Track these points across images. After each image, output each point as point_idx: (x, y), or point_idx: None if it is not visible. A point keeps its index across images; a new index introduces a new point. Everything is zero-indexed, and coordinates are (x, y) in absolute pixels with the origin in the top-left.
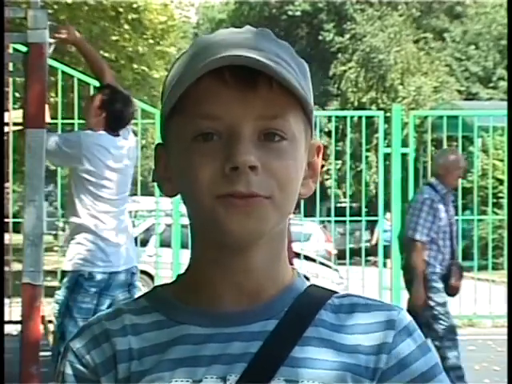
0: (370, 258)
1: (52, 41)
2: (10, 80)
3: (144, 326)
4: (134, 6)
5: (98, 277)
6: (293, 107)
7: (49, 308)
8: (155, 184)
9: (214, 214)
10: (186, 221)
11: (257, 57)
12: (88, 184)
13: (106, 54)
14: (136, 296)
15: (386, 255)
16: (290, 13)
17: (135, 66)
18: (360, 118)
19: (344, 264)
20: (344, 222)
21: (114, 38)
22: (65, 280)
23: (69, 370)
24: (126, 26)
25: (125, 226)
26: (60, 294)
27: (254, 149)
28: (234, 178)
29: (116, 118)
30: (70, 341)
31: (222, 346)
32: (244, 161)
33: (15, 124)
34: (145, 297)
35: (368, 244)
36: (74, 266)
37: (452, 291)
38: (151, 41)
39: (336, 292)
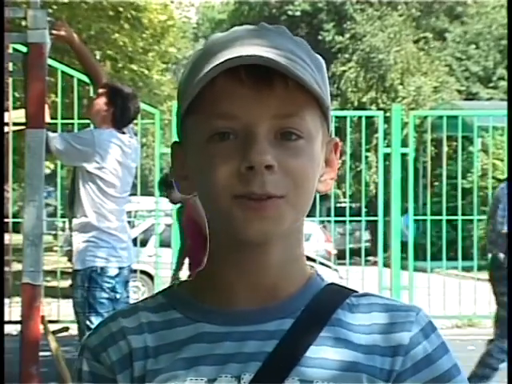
0: (369, 258)
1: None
2: (10, 80)
3: (160, 324)
4: (134, 5)
5: (111, 271)
6: (309, 105)
7: (48, 308)
8: (155, 184)
9: (231, 215)
10: None
11: (272, 56)
12: (99, 181)
13: (106, 53)
14: (130, 294)
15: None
16: (289, 13)
17: (134, 65)
18: (360, 117)
19: (344, 264)
20: (344, 222)
21: (113, 37)
22: (78, 279)
23: (86, 367)
24: (126, 26)
25: (125, 224)
26: (77, 295)
27: (270, 148)
28: (249, 178)
29: (123, 113)
30: (86, 338)
31: (237, 345)
32: (260, 160)
33: (15, 124)
34: (162, 294)
35: (368, 244)
36: (86, 263)
37: None
38: (151, 40)
39: (355, 291)
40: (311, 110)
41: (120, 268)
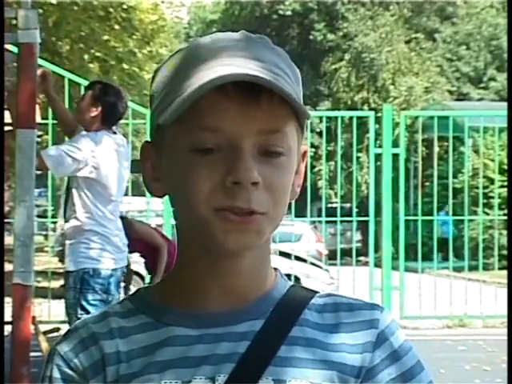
0: (360, 258)
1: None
2: None
3: (131, 329)
4: (125, 6)
5: (103, 273)
6: (290, 118)
7: (39, 308)
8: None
9: (210, 226)
10: None
11: (260, 72)
12: (95, 184)
13: (97, 54)
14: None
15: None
16: (280, 12)
17: (126, 66)
18: (351, 118)
19: (335, 264)
20: (335, 222)
21: (104, 38)
22: (70, 281)
23: (57, 374)
24: (116, 26)
25: (120, 226)
26: (70, 297)
27: (255, 163)
28: (235, 193)
29: (111, 111)
30: (56, 345)
31: (210, 347)
32: (248, 176)
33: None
34: (129, 299)
35: (359, 244)
36: (78, 264)
37: None
38: (141, 42)
39: (317, 292)
40: (292, 122)
41: (113, 269)
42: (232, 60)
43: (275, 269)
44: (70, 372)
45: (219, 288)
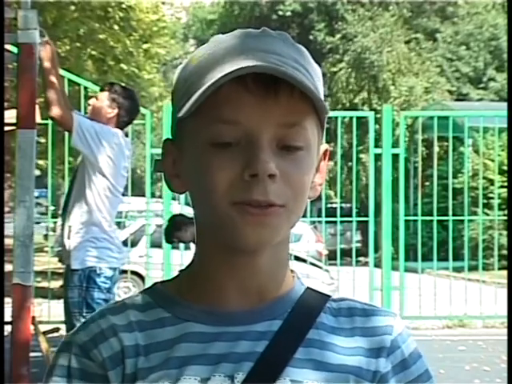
0: (360, 258)
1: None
2: None
3: (149, 323)
4: (123, 6)
5: (108, 272)
6: (310, 113)
7: (39, 309)
8: (146, 185)
9: (229, 220)
10: None
11: (281, 67)
12: (107, 184)
13: (95, 54)
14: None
15: None
16: (280, 13)
17: (124, 66)
18: (351, 118)
19: (335, 264)
20: (335, 222)
21: (102, 37)
22: (75, 279)
23: (75, 364)
24: (115, 26)
25: (114, 224)
26: (74, 295)
27: (273, 156)
28: (252, 186)
29: (126, 113)
30: (72, 335)
31: (229, 345)
32: (264, 168)
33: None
34: (147, 293)
35: (359, 244)
36: (84, 263)
37: None
38: (140, 42)
39: (330, 296)
40: (311, 118)
41: (114, 269)
42: (252, 54)
43: (292, 271)
44: (88, 362)
45: (237, 287)
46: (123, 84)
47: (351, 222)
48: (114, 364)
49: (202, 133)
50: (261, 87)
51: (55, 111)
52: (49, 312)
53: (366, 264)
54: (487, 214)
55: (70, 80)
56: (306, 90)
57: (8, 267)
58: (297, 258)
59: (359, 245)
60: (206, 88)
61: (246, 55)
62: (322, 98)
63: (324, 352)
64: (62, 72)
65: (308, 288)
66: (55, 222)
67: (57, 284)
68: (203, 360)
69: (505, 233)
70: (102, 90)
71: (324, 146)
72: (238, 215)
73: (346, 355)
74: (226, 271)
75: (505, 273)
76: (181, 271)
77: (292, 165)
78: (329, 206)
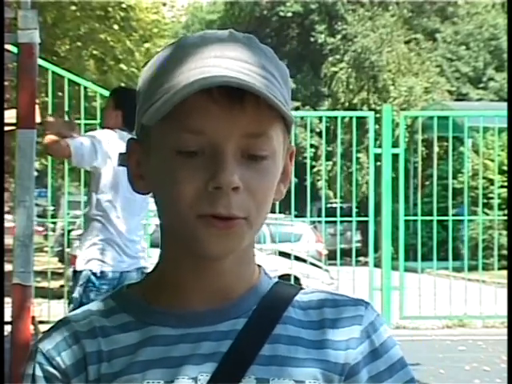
0: (360, 258)
1: None
2: None
3: (113, 328)
4: (123, 5)
5: (110, 275)
6: (276, 121)
7: (39, 309)
8: None
9: (195, 232)
10: None
11: (246, 76)
12: (119, 186)
13: (95, 54)
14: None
15: None
16: (281, 13)
17: (124, 67)
18: (351, 118)
19: (335, 264)
20: (335, 222)
21: (102, 37)
22: (78, 279)
23: (39, 372)
24: (115, 26)
25: (133, 226)
26: (75, 294)
27: (237, 167)
28: (216, 198)
29: (131, 115)
30: (37, 342)
31: (192, 346)
32: (228, 181)
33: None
34: (112, 297)
35: (359, 244)
36: (86, 265)
37: None
38: (140, 42)
39: (302, 288)
40: (277, 126)
41: (122, 272)
42: (218, 61)
43: (259, 266)
44: (52, 370)
45: (202, 288)
46: (124, 85)
47: (351, 221)
48: (76, 371)
49: (168, 140)
50: (226, 97)
51: (50, 151)
52: (49, 312)
53: (365, 264)
54: (487, 214)
55: (70, 80)
56: (271, 103)
57: (8, 267)
58: (297, 258)
59: (359, 245)
60: (168, 99)
61: (211, 63)
62: (290, 102)
63: (290, 347)
64: (62, 72)
65: (277, 282)
66: (54, 223)
67: (57, 284)
68: (166, 363)
69: (505, 233)
70: (109, 96)
71: (290, 148)
72: (203, 227)
73: (314, 349)
74: (190, 274)
75: (505, 273)
76: (147, 274)
77: (256, 174)
78: (329, 206)
